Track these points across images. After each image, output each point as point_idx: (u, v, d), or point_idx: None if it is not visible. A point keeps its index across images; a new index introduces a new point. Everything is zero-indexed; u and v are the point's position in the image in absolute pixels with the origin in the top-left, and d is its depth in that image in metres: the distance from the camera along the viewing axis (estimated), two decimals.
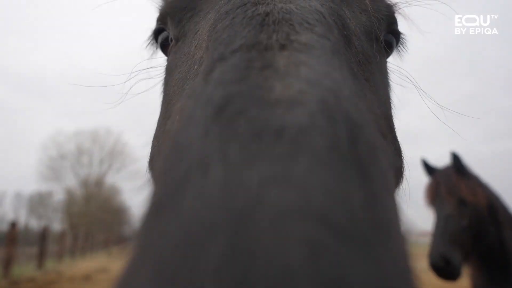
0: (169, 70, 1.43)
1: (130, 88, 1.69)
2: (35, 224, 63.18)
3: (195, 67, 1.08)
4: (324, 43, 0.81)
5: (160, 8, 1.56)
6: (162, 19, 1.51)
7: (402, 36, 1.48)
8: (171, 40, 1.48)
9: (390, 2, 1.41)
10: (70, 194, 67.02)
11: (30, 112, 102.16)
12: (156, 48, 1.70)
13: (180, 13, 1.42)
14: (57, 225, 62.72)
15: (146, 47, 1.72)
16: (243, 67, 0.67)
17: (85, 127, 68.33)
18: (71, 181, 67.10)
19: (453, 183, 4.37)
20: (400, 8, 1.43)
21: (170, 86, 1.31)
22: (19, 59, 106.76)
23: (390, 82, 1.42)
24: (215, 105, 0.58)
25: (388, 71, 1.41)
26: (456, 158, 4.47)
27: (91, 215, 64.48)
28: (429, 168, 4.84)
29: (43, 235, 27.29)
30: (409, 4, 1.45)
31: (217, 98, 0.59)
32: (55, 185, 66.36)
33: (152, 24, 1.63)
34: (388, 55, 1.43)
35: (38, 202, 69.33)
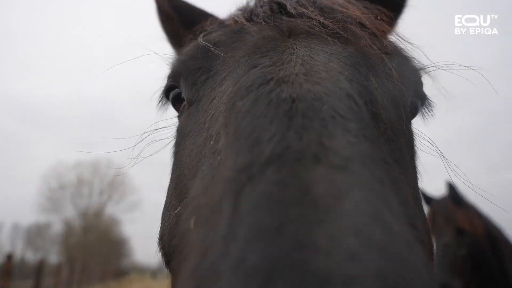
0: (181, 134, 1.36)
1: (140, 152, 1.63)
2: (31, 256, 61.88)
3: (211, 143, 1.02)
4: (361, 151, 0.73)
5: (172, 66, 1.51)
6: (174, 78, 1.46)
7: (428, 99, 1.43)
8: (183, 99, 1.43)
9: (417, 66, 1.36)
10: (68, 225, 66.04)
11: (31, 142, 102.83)
12: (166, 103, 1.64)
13: (194, 74, 1.36)
14: (54, 258, 61.45)
15: (157, 103, 1.66)
16: (276, 201, 0.58)
17: (87, 158, 68.32)
18: (70, 212, 66.33)
19: (450, 212, 4.39)
20: (427, 72, 1.39)
21: (183, 154, 1.25)
22: (22, 89, 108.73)
23: (416, 149, 1.35)
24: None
25: (414, 136, 1.33)
26: (452, 188, 4.51)
27: (89, 246, 63.23)
28: (426, 198, 4.87)
29: (39, 268, 26.67)
30: (437, 68, 1.40)
31: (252, 273, 0.50)
32: (54, 217, 65.55)
33: (161, 74, 1.59)
34: (413, 117, 1.38)
35: (35, 234, 68.24)
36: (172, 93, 1.51)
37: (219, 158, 0.90)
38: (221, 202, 0.68)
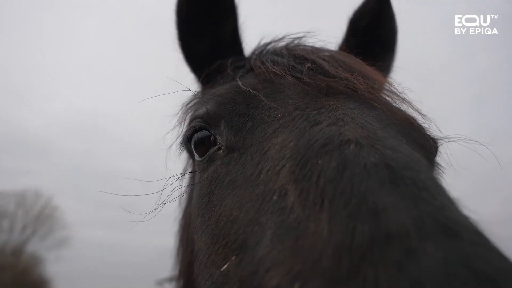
0: (216, 182, 1.29)
1: (163, 204, 1.59)
2: None
3: (274, 197, 0.97)
4: (470, 220, 0.81)
5: (208, 106, 1.45)
6: (210, 120, 1.41)
7: (440, 169, 1.55)
8: (213, 143, 1.39)
9: (435, 136, 1.46)
10: None
11: None
12: (184, 146, 1.61)
13: (238, 120, 1.33)
14: None
15: (179, 147, 1.64)
16: (458, 281, 0.61)
17: (11, 188, 62.19)
18: None
19: None
20: (442, 143, 1.49)
21: (222, 205, 1.19)
22: None
23: None
24: None
25: None
26: None
27: None
28: None
29: None
30: (450, 140, 1.50)
31: None
32: None
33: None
34: None
35: None
36: (198, 135, 1.47)
37: (293, 216, 0.87)
38: (355, 274, 0.65)
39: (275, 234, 0.89)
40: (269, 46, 1.86)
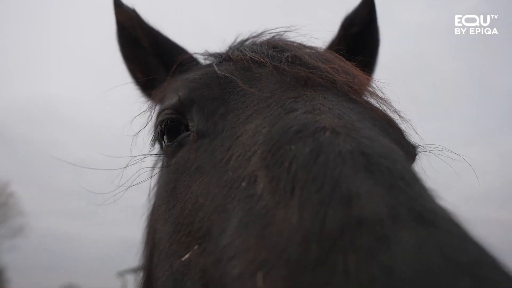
0: (184, 168, 1.25)
1: (126, 188, 1.52)
2: None
3: (242, 184, 0.94)
4: (445, 208, 0.78)
5: (179, 94, 1.39)
6: (182, 107, 1.36)
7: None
8: (186, 129, 1.34)
9: (414, 143, 1.45)
10: None
11: None
12: (156, 139, 1.55)
13: (211, 104, 1.28)
14: None
15: (153, 135, 1.57)
16: (431, 269, 0.57)
17: None
18: None
19: None
20: (420, 151, 1.48)
21: (188, 193, 1.15)
22: None
23: None
24: None
25: None
26: None
27: None
28: None
29: None
30: (427, 150, 1.49)
31: None
32: None
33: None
34: None
35: None
36: (169, 127, 1.41)
37: (262, 203, 0.83)
38: (323, 261, 0.62)
39: (241, 222, 0.85)
40: (247, 42, 1.81)
